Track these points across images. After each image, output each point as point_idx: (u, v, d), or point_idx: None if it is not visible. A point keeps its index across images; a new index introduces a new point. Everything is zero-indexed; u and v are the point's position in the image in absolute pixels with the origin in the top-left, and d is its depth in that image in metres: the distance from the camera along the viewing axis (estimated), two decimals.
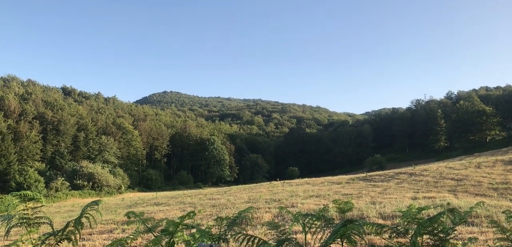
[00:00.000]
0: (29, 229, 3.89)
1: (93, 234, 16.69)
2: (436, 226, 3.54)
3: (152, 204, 31.97)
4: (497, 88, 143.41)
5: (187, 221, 3.46)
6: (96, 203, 3.89)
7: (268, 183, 49.03)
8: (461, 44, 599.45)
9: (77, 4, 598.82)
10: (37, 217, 3.98)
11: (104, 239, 15.07)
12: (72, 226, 3.82)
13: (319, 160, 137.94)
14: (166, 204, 30.01)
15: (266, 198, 25.73)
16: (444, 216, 3.57)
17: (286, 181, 45.98)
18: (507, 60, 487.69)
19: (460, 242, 4.97)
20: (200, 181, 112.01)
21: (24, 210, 3.96)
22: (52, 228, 3.91)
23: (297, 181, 44.50)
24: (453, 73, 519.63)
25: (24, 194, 3.95)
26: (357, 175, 41.55)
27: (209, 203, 26.85)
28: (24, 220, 3.93)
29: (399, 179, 31.95)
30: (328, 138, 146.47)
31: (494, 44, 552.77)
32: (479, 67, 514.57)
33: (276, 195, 26.97)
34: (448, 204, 15.96)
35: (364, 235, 9.36)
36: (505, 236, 3.55)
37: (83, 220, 3.89)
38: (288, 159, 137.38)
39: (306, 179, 48.58)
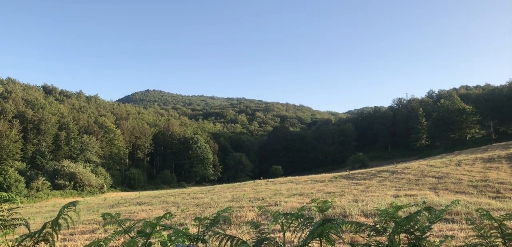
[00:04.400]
0: (4, 230, 3.83)
1: (75, 234, 16.49)
2: (412, 224, 3.59)
3: (135, 203, 31.72)
4: (477, 87, 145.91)
5: (165, 222, 3.44)
6: (73, 204, 3.85)
7: (252, 181, 49.04)
8: (442, 43, 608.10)
9: (57, 2, 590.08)
10: (13, 219, 3.92)
11: (86, 239, 14.90)
12: (49, 227, 3.78)
13: (303, 159, 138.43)
14: (149, 204, 29.80)
15: (250, 196, 25.72)
16: (421, 215, 3.62)
17: (270, 180, 46.06)
18: (487, 60, 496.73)
19: (438, 240, 5.05)
20: (184, 180, 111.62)
21: None
22: (29, 230, 3.85)
23: (281, 179, 44.61)
24: (434, 72, 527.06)
25: None
26: (340, 173, 41.80)
27: (193, 202, 26.74)
28: None
29: (381, 177, 32.26)
30: (311, 136, 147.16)
31: (474, 44, 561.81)
32: (459, 67, 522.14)
33: (260, 194, 26.98)
34: (424, 202, 16.16)
35: (343, 234, 9.45)
36: (479, 233, 3.62)
37: (61, 221, 3.84)
38: (272, 158, 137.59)
39: (290, 177, 48.78)
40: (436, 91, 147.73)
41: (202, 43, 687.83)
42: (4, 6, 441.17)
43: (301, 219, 4.02)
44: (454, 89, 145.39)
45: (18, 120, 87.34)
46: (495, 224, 3.51)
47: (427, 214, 3.80)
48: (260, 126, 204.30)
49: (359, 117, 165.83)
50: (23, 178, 70.50)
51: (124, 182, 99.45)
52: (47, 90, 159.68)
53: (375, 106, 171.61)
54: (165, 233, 3.71)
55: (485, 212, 3.55)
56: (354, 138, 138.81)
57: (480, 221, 3.90)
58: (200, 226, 3.99)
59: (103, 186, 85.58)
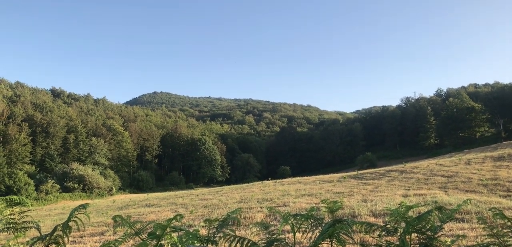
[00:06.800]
0: (16, 233, 3.85)
1: (84, 236, 16.55)
2: (424, 224, 3.56)
3: (144, 205, 31.79)
4: (486, 85, 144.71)
5: (175, 223, 3.44)
6: (84, 206, 3.86)
7: (260, 182, 48.94)
8: (450, 41, 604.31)
9: (65, 5, 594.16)
10: (24, 222, 3.94)
11: (95, 242, 14.95)
12: (60, 230, 3.79)
13: (311, 159, 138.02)
14: (158, 205, 29.86)
15: (258, 197, 25.68)
16: (432, 214, 3.59)
17: (278, 180, 45.93)
18: (495, 58, 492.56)
19: (449, 239, 5.01)
20: (192, 182, 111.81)
21: (10, 214, 3.91)
22: (40, 232, 3.87)
23: (289, 180, 44.47)
24: (442, 70, 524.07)
25: (10, 199, 3.91)
26: (348, 173, 41.59)
27: (201, 203, 26.75)
28: (11, 225, 3.89)
29: (390, 176, 32.07)
30: (319, 136, 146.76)
31: (483, 41, 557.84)
32: (468, 65, 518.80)
33: (268, 195, 26.92)
34: (435, 202, 16.01)
35: (354, 234, 9.41)
36: (492, 233, 3.58)
37: (71, 223, 3.85)
38: (279, 158, 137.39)
39: (298, 178, 48.59)
40: (445, 90, 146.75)
41: (209, 45, 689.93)
42: (11, 9, 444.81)
43: (312, 220, 4.00)
44: (463, 87, 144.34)
45: (27, 124, 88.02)
46: (509, 223, 3.47)
47: (438, 214, 3.77)
48: (267, 127, 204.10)
49: (367, 117, 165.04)
50: (32, 181, 71.00)
51: (132, 184, 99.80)
52: (55, 94, 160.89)
53: (383, 106, 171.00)
54: (175, 235, 3.71)
55: (498, 211, 3.51)
56: (362, 138, 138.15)
57: (491, 220, 3.86)
58: (210, 227, 3.99)
59: (112, 188, 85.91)
